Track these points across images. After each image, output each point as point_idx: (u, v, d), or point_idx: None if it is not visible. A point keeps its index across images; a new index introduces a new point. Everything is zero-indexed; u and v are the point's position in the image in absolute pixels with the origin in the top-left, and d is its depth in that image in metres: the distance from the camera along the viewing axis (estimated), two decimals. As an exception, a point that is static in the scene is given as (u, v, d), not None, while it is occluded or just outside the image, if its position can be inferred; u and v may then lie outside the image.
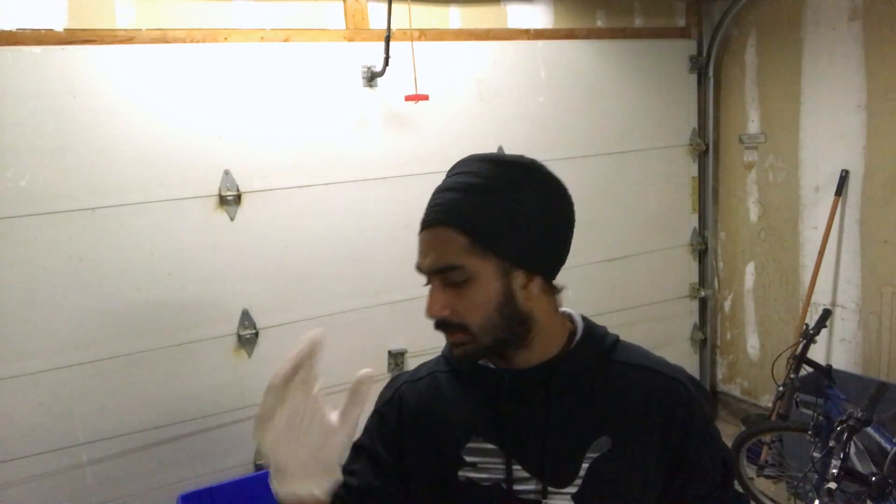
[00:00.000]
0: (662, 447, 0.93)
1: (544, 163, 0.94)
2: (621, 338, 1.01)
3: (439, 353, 1.07)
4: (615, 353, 0.98)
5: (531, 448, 0.92)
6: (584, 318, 1.01)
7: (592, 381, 0.94)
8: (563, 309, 1.01)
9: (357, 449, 1.05)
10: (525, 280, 0.90)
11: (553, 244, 0.93)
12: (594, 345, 0.97)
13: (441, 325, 0.91)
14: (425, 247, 0.92)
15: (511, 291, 0.89)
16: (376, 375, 0.88)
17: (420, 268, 0.93)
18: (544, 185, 0.93)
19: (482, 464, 0.94)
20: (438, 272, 0.90)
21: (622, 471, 0.91)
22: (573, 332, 0.98)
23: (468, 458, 0.95)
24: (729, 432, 3.55)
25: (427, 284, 0.93)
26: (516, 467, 0.92)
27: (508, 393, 0.94)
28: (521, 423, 0.93)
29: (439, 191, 0.94)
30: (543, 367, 0.94)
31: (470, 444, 0.95)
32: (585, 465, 0.91)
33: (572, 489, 0.90)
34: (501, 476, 0.93)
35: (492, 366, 0.97)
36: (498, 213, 0.88)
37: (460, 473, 0.94)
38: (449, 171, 0.98)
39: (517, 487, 0.92)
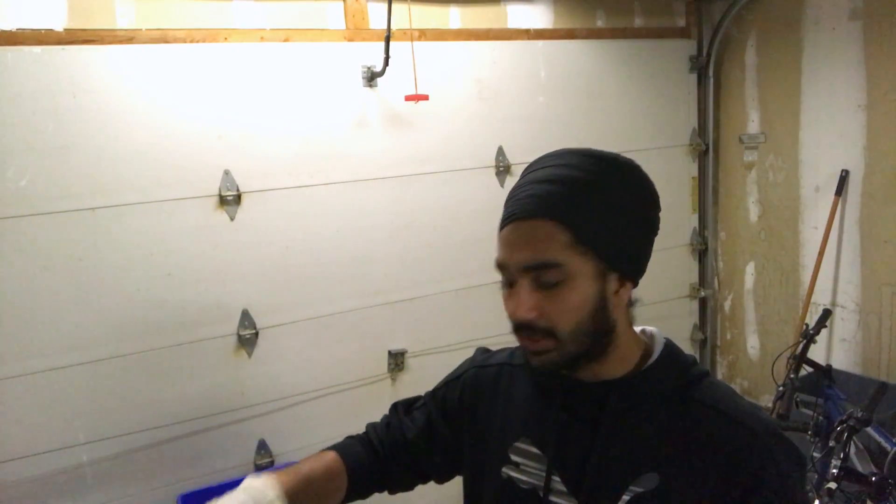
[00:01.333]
0: (718, 502, 0.81)
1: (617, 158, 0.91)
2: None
3: (516, 345, 1.00)
4: (696, 389, 0.88)
5: (574, 464, 0.88)
6: (668, 343, 0.93)
7: (655, 412, 0.86)
8: (649, 329, 0.95)
9: (425, 403, 1.09)
10: (618, 285, 0.86)
11: (645, 250, 0.89)
12: (670, 374, 0.89)
13: (524, 328, 0.84)
14: (516, 240, 0.83)
15: (605, 296, 0.84)
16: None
17: (506, 263, 0.84)
18: (643, 187, 0.89)
19: (525, 465, 0.93)
20: (532, 269, 0.82)
21: None
22: (648, 354, 0.91)
23: (514, 457, 0.94)
24: (729, 432, 3.55)
25: (507, 285, 0.86)
26: (555, 478, 0.90)
27: (560, 402, 0.91)
28: (569, 436, 0.90)
29: (532, 182, 0.86)
30: (601, 385, 0.88)
31: (517, 444, 0.94)
32: (626, 498, 0.84)
33: None
34: (540, 483, 0.91)
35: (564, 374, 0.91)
36: (601, 211, 0.83)
37: (503, 469, 0.95)
38: (537, 164, 0.91)
39: (553, 499, 0.90)
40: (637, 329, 0.95)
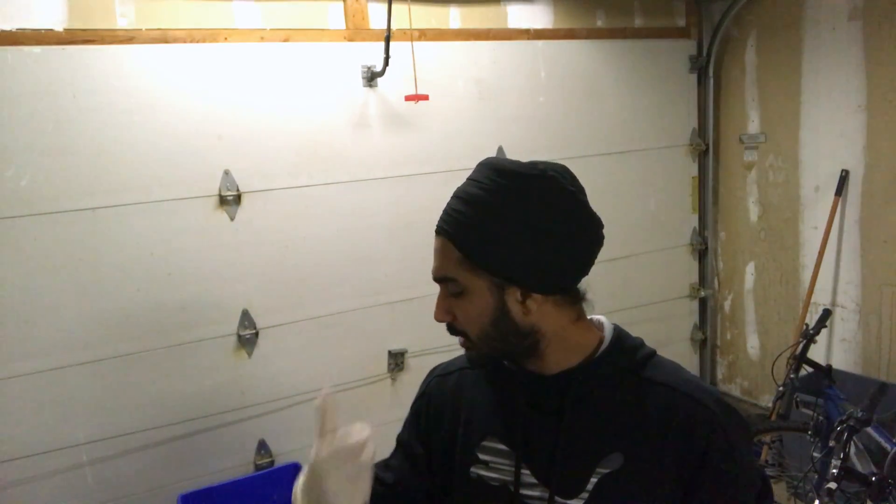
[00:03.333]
0: (678, 472, 0.87)
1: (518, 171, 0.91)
2: None
3: None
4: (646, 369, 0.93)
5: (541, 454, 0.92)
6: (616, 329, 0.98)
7: (612, 395, 0.91)
8: (596, 317, 0.99)
9: (397, 443, 1.11)
10: (522, 296, 0.89)
11: (555, 260, 0.88)
12: (621, 358, 0.93)
13: (448, 328, 0.94)
14: (434, 252, 0.94)
15: (505, 307, 0.89)
16: (333, 389, 0.94)
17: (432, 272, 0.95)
18: (549, 198, 0.87)
19: (494, 463, 0.95)
20: (439, 281, 0.93)
21: (632, 490, 0.88)
22: (601, 342, 0.95)
23: (482, 456, 0.97)
24: (729, 432, 3.55)
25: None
26: (525, 472, 0.93)
27: (525, 397, 0.95)
28: (533, 429, 0.93)
29: (453, 196, 0.93)
30: (561, 376, 0.92)
31: (485, 443, 0.97)
32: (594, 480, 0.89)
33: (578, 502, 0.89)
34: (510, 478, 0.93)
35: (514, 367, 0.97)
36: (493, 231, 0.86)
37: (472, 470, 0.97)
38: (471, 175, 0.94)
39: (524, 492, 0.92)
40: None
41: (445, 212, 0.92)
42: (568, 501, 0.89)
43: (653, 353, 0.96)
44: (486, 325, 0.90)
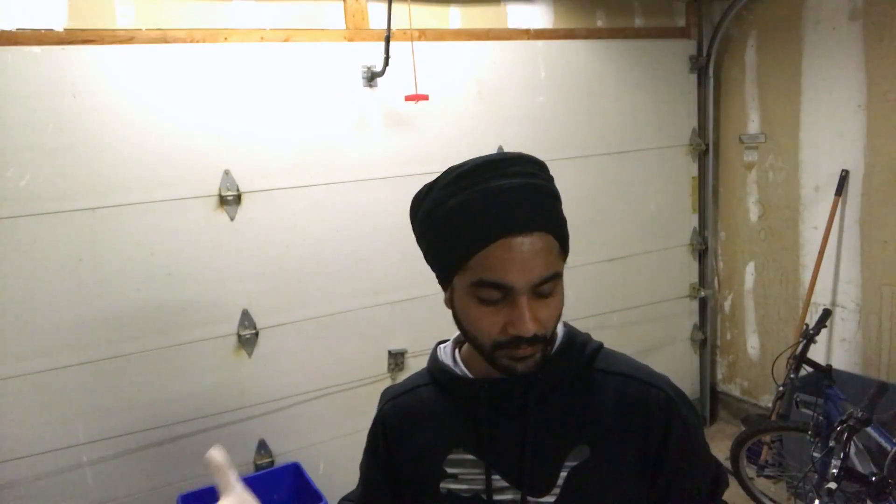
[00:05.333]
0: (641, 456, 0.90)
1: (545, 162, 0.93)
2: (618, 339, 0.99)
3: (423, 368, 1.06)
4: (596, 360, 0.95)
5: (509, 457, 0.91)
6: (566, 325, 0.98)
7: (571, 390, 0.92)
8: None
9: (360, 477, 1.08)
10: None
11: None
12: (574, 353, 0.94)
13: (528, 341, 0.82)
14: (522, 256, 0.79)
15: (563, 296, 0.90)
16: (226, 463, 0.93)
17: (510, 283, 0.80)
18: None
19: (463, 475, 0.93)
20: (544, 282, 0.81)
21: (601, 480, 0.89)
22: (554, 339, 0.94)
23: (449, 470, 0.94)
24: (729, 432, 3.55)
25: (487, 301, 0.82)
26: (495, 477, 0.91)
27: (487, 403, 0.93)
28: (499, 433, 0.92)
29: (501, 192, 0.81)
30: (521, 376, 0.88)
31: (451, 456, 0.94)
32: (563, 474, 0.89)
33: (550, 498, 0.89)
34: (481, 487, 0.92)
35: (470, 376, 0.95)
36: (563, 216, 0.88)
37: (442, 485, 0.94)
38: (489, 172, 0.84)
39: (497, 497, 0.91)
40: None
41: (520, 208, 0.81)
42: (540, 500, 0.89)
43: (601, 346, 0.98)
44: (558, 322, 0.88)
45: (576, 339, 0.96)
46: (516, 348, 0.82)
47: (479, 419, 0.93)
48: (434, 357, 1.04)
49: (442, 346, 1.05)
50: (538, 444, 0.90)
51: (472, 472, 0.93)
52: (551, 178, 0.90)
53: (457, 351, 1.01)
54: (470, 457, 0.93)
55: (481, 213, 0.81)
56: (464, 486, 0.93)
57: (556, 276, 0.83)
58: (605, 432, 0.90)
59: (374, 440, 1.05)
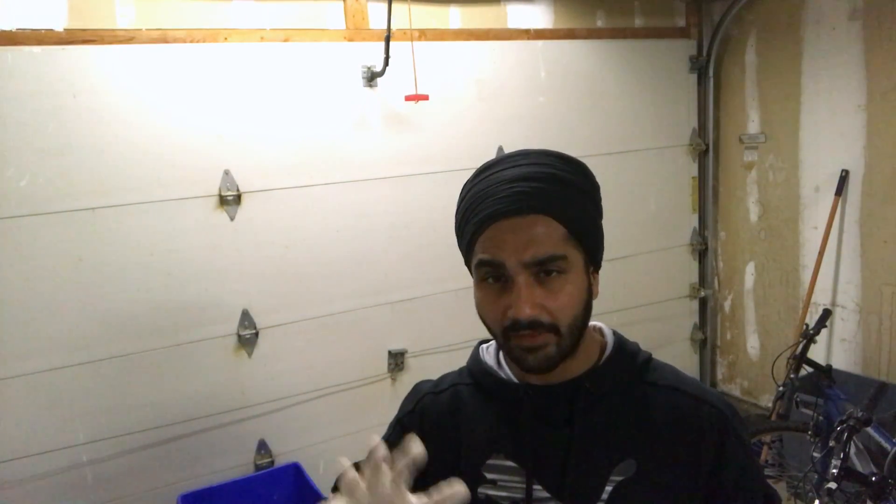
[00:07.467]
0: (694, 474, 0.86)
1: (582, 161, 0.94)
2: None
3: (463, 365, 1.02)
4: (647, 373, 0.92)
5: (552, 468, 0.88)
6: (616, 333, 0.96)
7: (620, 402, 0.89)
8: (597, 323, 0.97)
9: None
10: (593, 279, 0.90)
11: (603, 247, 0.93)
12: (624, 363, 0.92)
13: (525, 326, 0.81)
14: (514, 237, 0.81)
15: (590, 288, 0.88)
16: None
17: (499, 260, 0.82)
18: (595, 184, 0.93)
19: (502, 481, 0.90)
20: (538, 264, 0.81)
21: (648, 496, 0.85)
22: (603, 347, 0.93)
23: (488, 475, 0.91)
24: (729, 432, 3.54)
25: (490, 281, 0.84)
26: (536, 487, 0.88)
27: (530, 410, 0.90)
28: (542, 442, 0.89)
29: (508, 181, 0.85)
30: (569, 384, 0.88)
31: (490, 461, 0.91)
32: (609, 489, 0.85)
33: None
34: (521, 495, 0.88)
35: (515, 380, 0.92)
36: (581, 206, 0.87)
37: (480, 490, 0.91)
38: (500, 164, 0.89)
39: None
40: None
41: (521, 192, 0.83)
42: None
43: (650, 357, 0.95)
44: (579, 310, 0.84)
45: (626, 348, 0.94)
46: (518, 335, 0.83)
47: (521, 425, 0.90)
48: (476, 357, 1.00)
49: (485, 346, 1.01)
50: (583, 456, 0.87)
51: (511, 479, 0.89)
52: (580, 173, 0.90)
53: (501, 352, 0.97)
54: (510, 463, 0.90)
55: (483, 199, 0.85)
56: (503, 493, 0.89)
57: (556, 259, 0.82)
58: (654, 447, 0.86)
59: (407, 430, 0.95)
